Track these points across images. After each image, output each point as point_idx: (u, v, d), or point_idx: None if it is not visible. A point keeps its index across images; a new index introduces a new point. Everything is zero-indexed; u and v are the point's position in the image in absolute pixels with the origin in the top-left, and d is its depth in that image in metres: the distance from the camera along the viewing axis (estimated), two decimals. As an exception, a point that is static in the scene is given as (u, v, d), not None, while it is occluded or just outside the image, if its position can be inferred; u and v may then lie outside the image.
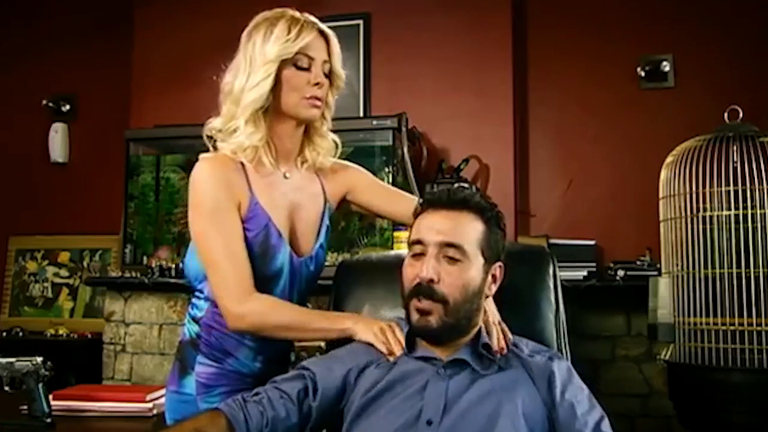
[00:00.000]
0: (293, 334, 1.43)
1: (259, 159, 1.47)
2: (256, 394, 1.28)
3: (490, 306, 1.41)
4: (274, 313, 1.42)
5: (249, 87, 1.43)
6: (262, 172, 1.48)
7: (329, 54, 1.49)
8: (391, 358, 1.32)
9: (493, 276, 1.35)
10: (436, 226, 1.30)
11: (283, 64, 1.43)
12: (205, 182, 1.43)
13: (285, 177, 1.52)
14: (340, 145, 1.60)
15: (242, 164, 1.47)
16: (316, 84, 1.45)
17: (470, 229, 1.31)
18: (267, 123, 1.46)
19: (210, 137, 1.50)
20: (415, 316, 1.30)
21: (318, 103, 1.47)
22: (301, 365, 1.35)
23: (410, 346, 1.33)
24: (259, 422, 1.24)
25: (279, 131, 1.49)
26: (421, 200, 1.39)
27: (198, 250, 1.45)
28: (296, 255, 1.50)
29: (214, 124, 1.50)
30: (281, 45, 1.42)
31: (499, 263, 1.35)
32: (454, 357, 1.30)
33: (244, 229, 1.43)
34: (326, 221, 1.58)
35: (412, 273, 1.30)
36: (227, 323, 1.43)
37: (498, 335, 1.36)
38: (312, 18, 1.48)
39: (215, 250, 1.41)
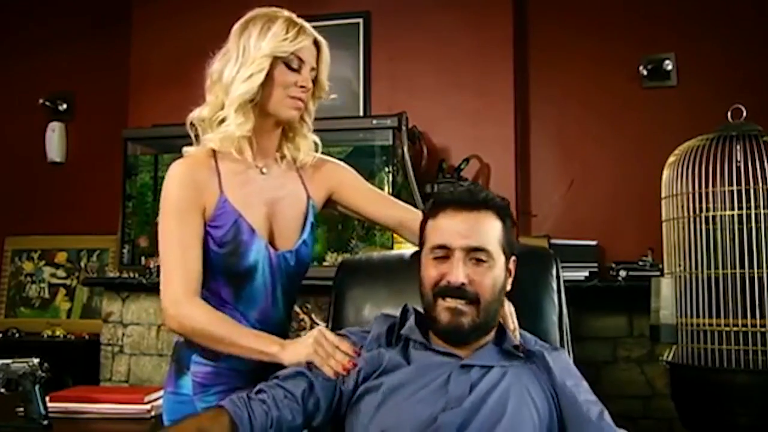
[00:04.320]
0: (220, 347, 1.41)
1: (240, 151, 1.47)
2: (260, 391, 1.27)
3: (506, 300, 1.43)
4: (205, 322, 1.40)
5: (240, 78, 1.43)
6: (236, 169, 1.48)
7: (318, 63, 1.51)
8: (341, 370, 1.30)
9: (509, 270, 1.37)
10: (460, 230, 1.31)
11: (275, 61, 1.44)
12: (172, 185, 1.44)
13: (262, 172, 1.52)
14: (320, 145, 1.61)
15: (215, 162, 1.47)
16: (302, 87, 1.47)
17: (491, 229, 1.32)
18: (255, 115, 1.47)
19: (192, 126, 1.51)
20: (446, 316, 1.30)
21: (300, 104, 1.48)
22: (300, 369, 1.33)
23: (425, 339, 1.34)
24: (264, 422, 1.23)
25: (258, 127, 1.49)
26: (435, 197, 1.39)
27: (159, 248, 1.45)
28: (274, 249, 1.49)
29: (201, 113, 1.49)
30: (278, 42, 1.43)
31: (513, 257, 1.38)
32: (479, 362, 1.30)
33: (213, 227, 1.44)
34: (311, 218, 1.57)
35: (438, 274, 1.31)
36: (164, 321, 1.44)
37: (514, 326, 1.39)
38: (308, 24, 1.49)
39: (169, 250, 1.42)
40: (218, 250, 1.44)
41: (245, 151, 1.47)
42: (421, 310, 1.38)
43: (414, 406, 1.23)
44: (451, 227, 1.31)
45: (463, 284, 1.28)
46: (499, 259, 1.32)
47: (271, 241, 1.50)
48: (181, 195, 1.43)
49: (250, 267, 1.46)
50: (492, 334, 1.36)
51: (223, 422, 1.20)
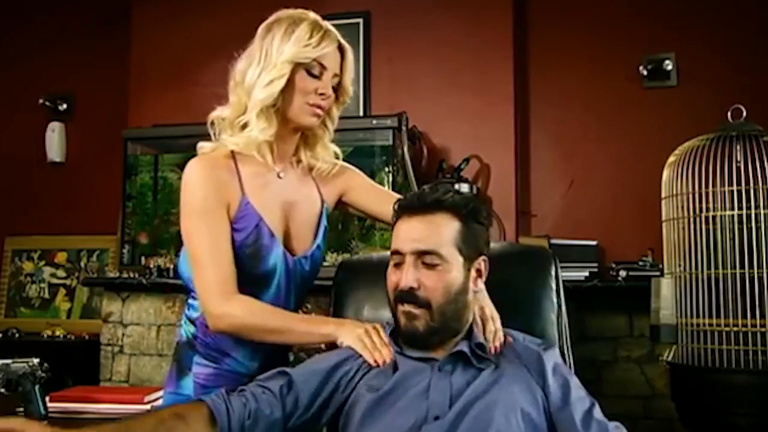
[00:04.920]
0: (274, 338, 1.42)
1: (262, 155, 1.46)
2: (241, 390, 1.28)
3: (485, 301, 1.41)
4: (254, 315, 1.40)
5: (261, 83, 1.42)
6: (256, 172, 1.47)
7: (342, 69, 1.49)
8: (380, 362, 1.31)
9: (478, 271, 1.35)
10: (410, 234, 1.31)
11: (296, 67, 1.42)
12: (194, 182, 1.42)
13: (279, 177, 1.51)
14: (341, 156, 1.60)
15: (235, 164, 1.46)
16: (322, 94, 1.45)
17: (445, 231, 1.31)
18: (278, 120, 1.45)
19: (212, 124, 1.49)
20: (403, 321, 1.31)
21: (319, 112, 1.47)
22: (282, 369, 1.34)
23: (403, 347, 1.34)
24: (242, 413, 1.22)
25: (279, 132, 1.48)
26: (395, 206, 1.38)
27: (186, 249, 1.45)
28: (290, 254, 1.49)
29: (222, 113, 1.48)
30: (300, 48, 1.41)
31: (482, 257, 1.36)
32: (452, 351, 1.30)
33: (235, 229, 1.43)
34: (324, 222, 1.57)
35: (394, 280, 1.31)
36: (209, 324, 1.43)
37: (494, 331, 1.36)
38: (333, 29, 1.47)
39: (200, 250, 1.40)
40: (238, 252, 1.43)
41: (266, 155, 1.46)
42: None
43: (396, 416, 1.22)
44: (404, 232, 1.32)
45: (412, 288, 1.28)
46: (455, 260, 1.30)
47: (287, 245, 1.50)
48: (206, 193, 1.41)
49: (268, 271, 1.46)
50: (463, 334, 1.34)
51: (201, 410, 1.20)
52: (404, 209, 1.34)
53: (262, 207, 1.46)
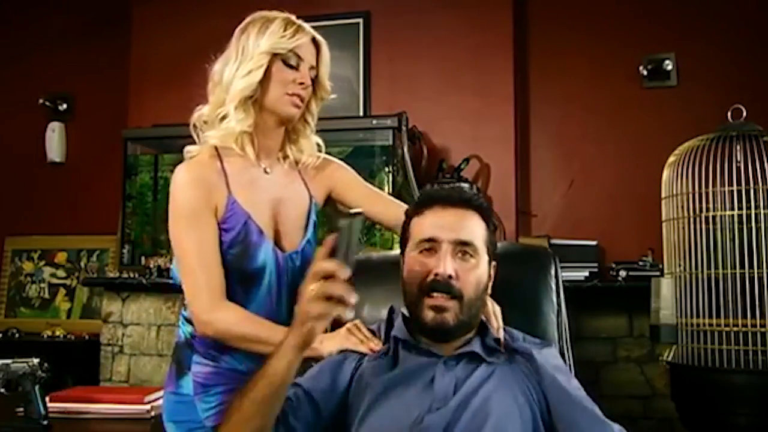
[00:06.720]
0: (257, 347, 1.41)
1: (242, 147, 1.47)
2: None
3: (491, 300, 1.42)
4: (239, 324, 1.41)
5: (240, 75, 1.44)
6: (241, 169, 1.48)
7: (318, 62, 1.51)
8: (376, 349, 1.32)
9: (489, 275, 1.36)
10: (448, 224, 1.30)
11: (274, 58, 1.45)
12: (182, 188, 1.44)
13: (266, 172, 1.52)
14: (323, 147, 1.62)
15: (221, 163, 1.47)
16: (301, 84, 1.47)
17: (477, 228, 1.32)
18: (255, 111, 1.47)
19: (195, 126, 1.51)
20: (429, 314, 1.27)
21: (299, 102, 1.49)
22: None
23: (412, 338, 1.33)
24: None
25: (260, 126, 1.50)
26: (420, 196, 1.38)
27: (174, 254, 1.46)
28: (281, 250, 1.50)
29: (202, 111, 1.50)
30: (276, 40, 1.45)
31: (494, 262, 1.37)
32: (465, 350, 1.29)
33: (224, 229, 1.44)
34: (313, 217, 1.58)
35: (424, 269, 1.28)
36: (195, 328, 1.44)
37: (498, 324, 1.38)
38: (306, 25, 1.51)
39: (189, 256, 1.41)
40: (228, 251, 1.44)
41: (247, 148, 1.47)
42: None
43: (400, 409, 1.22)
44: (439, 222, 1.31)
45: (450, 277, 1.26)
46: (484, 257, 1.31)
47: (277, 242, 1.50)
48: (193, 197, 1.42)
49: (258, 269, 1.46)
50: (474, 331, 1.34)
51: None
52: (436, 200, 1.34)
53: (250, 205, 1.47)
